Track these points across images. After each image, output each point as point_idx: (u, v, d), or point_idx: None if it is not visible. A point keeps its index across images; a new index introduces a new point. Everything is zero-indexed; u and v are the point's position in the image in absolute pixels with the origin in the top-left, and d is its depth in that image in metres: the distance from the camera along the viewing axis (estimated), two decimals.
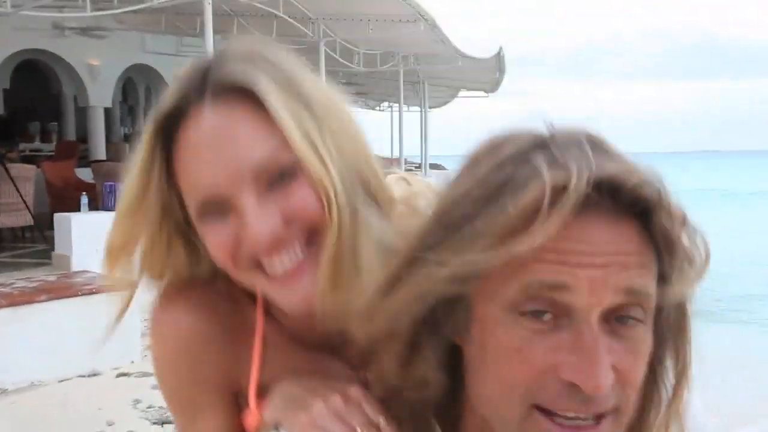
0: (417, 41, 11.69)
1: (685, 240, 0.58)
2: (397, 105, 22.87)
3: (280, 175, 0.69)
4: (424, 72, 15.77)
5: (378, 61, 12.95)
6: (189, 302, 0.81)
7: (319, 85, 0.75)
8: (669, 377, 0.64)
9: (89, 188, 8.50)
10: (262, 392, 0.79)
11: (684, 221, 0.58)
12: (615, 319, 0.56)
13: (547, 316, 0.56)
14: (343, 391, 0.72)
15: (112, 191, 6.95)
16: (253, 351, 0.81)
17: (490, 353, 0.58)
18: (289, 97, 0.70)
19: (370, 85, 18.61)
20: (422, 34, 10.64)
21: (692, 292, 0.61)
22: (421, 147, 18.08)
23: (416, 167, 18.66)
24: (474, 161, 0.61)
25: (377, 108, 25.98)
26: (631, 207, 0.56)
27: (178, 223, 0.76)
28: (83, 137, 14.30)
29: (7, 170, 8.04)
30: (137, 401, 4.69)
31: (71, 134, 15.25)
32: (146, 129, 0.73)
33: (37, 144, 14.32)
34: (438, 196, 0.63)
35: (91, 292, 5.48)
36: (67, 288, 5.57)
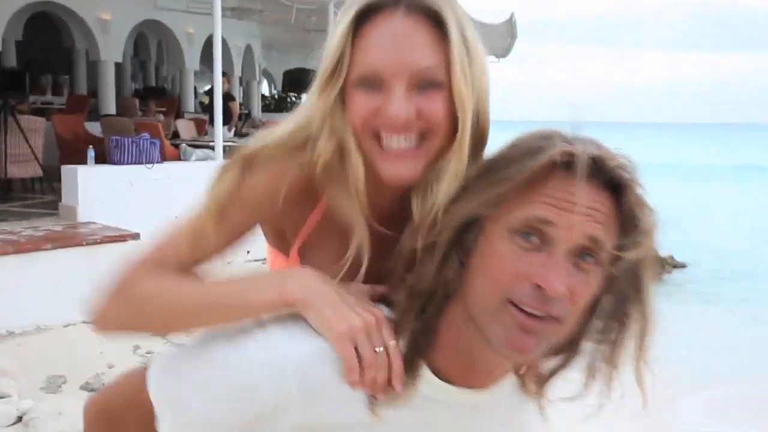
0: None
1: (644, 220, 0.81)
2: None
3: (429, 84, 0.90)
4: None
5: None
6: (275, 169, 0.97)
7: (475, 33, 0.95)
8: (637, 330, 0.86)
9: (97, 142, 8.64)
10: (300, 251, 1.01)
11: (646, 206, 0.82)
12: (577, 256, 0.81)
13: (534, 240, 0.81)
14: (371, 311, 0.88)
15: (118, 145, 7.08)
16: (310, 216, 1.01)
17: (487, 259, 0.84)
18: (460, 34, 0.90)
19: None
20: None
21: (646, 262, 0.83)
22: None
23: None
24: (516, 139, 0.88)
25: None
26: (609, 183, 0.81)
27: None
28: (94, 91, 14.42)
29: (17, 121, 8.20)
30: (137, 347, 4.91)
31: (82, 88, 15.35)
32: (347, 14, 0.91)
33: (48, 97, 14.44)
34: (492, 154, 0.90)
35: (95, 242, 5.68)
36: (71, 237, 5.76)
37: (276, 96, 24.02)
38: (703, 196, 20.98)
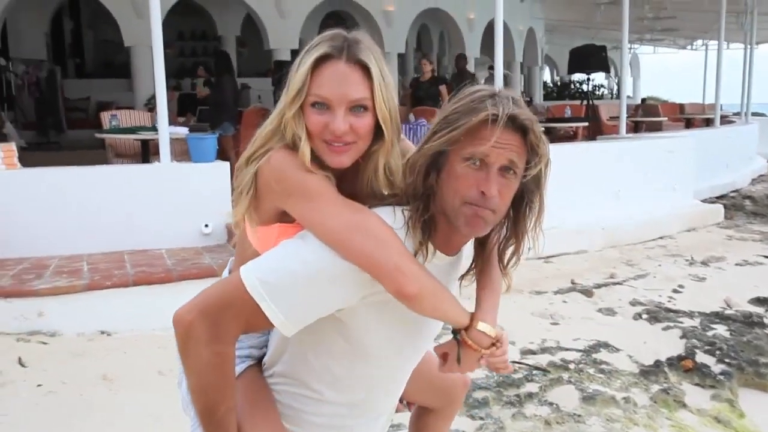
0: None
1: (541, 148, 1.36)
2: (711, 42, 19.83)
3: (358, 108, 1.40)
4: None
5: None
6: (290, 152, 1.46)
7: (388, 70, 1.44)
8: (536, 210, 1.45)
9: None
10: None
11: (542, 140, 1.36)
12: (503, 171, 1.35)
13: (477, 163, 1.34)
14: None
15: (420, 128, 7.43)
16: None
17: (451, 175, 1.37)
18: (379, 72, 1.41)
19: (682, 18, 16.36)
20: None
21: (541, 174, 1.39)
22: (743, 91, 15.32)
23: (734, 114, 16.05)
24: (459, 95, 1.40)
25: (689, 47, 23.03)
26: (520, 128, 1.35)
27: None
28: None
29: None
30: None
31: None
32: (307, 59, 1.40)
33: None
34: (443, 108, 1.42)
35: None
36: None
37: (558, 82, 22.84)
38: None
